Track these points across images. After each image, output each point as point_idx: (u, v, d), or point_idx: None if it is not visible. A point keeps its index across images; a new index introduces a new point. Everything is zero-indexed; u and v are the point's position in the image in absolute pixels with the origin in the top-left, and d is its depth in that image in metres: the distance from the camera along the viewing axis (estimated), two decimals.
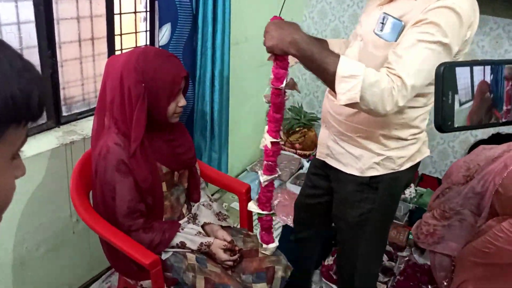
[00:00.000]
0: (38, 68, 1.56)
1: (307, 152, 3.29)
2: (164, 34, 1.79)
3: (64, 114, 1.75)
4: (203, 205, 1.54)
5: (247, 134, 2.83)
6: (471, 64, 0.56)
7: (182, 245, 1.35)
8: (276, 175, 1.32)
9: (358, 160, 1.31)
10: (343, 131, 1.32)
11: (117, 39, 1.85)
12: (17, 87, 0.44)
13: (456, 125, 0.55)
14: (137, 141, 1.29)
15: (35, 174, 1.55)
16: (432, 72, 1.01)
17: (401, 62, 1.03)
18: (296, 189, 2.80)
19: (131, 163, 1.29)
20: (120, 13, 1.84)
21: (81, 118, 1.81)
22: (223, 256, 1.38)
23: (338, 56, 1.05)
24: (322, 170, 1.51)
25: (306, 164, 3.14)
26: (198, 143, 2.10)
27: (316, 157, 1.49)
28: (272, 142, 1.24)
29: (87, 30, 1.75)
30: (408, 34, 1.06)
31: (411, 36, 1.05)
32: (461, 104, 0.55)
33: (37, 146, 1.56)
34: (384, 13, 1.15)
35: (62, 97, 1.72)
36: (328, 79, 1.06)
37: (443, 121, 0.54)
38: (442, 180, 1.95)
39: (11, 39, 1.46)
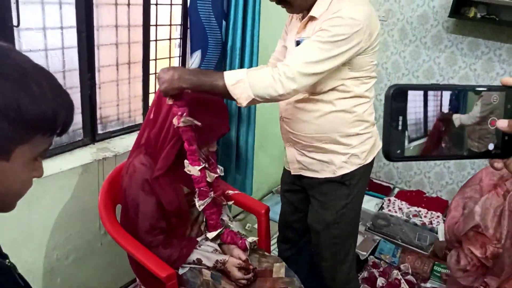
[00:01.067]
0: (78, 89, 1.70)
1: None
2: (194, 60, 1.90)
3: (99, 132, 1.88)
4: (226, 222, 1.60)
5: (274, 155, 2.88)
6: (428, 88, 0.50)
7: (199, 261, 1.41)
8: (210, 198, 1.43)
9: (329, 164, 1.46)
10: (308, 143, 1.46)
11: (151, 63, 1.97)
12: (51, 107, 0.57)
13: (406, 154, 0.49)
14: (161, 171, 1.38)
15: (69, 187, 1.66)
16: (324, 64, 1.21)
17: (291, 56, 1.24)
18: None
19: (155, 185, 1.38)
20: (156, 40, 1.97)
21: (115, 136, 1.93)
22: (237, 274, 1.42)
23: (222, 72, 1.23)
24: (295, 184, 1.64)
25: None
26: (222, 164, 2.17)
27: (292, 173, 1.60)
28: (199, 170, 1.37)
29: (125, 55, 1.89)
30: (304, 42, 1.26)
31: (304, 42, 1.25)
32: (413, 133, 0.49)
33: (73, 161, 1.68)
34: (299, 37, 1.35)
35: (98, 116, 1.85)
36: (223, 92, 1.23)
37: (391, 148, 0.48)
38: (464, 189, 1.90)
39: (55, 63, 1.61)
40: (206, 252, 1.43)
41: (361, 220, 2.75)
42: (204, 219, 1.58)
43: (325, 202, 1.52)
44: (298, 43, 1.34)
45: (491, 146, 0.52)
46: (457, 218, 1.92)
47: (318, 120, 1.40)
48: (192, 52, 1.90)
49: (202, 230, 1.56)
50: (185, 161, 1.37)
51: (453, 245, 1.91)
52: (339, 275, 1.61)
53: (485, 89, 0.51)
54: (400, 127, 0.48)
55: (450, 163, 3.07)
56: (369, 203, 2.99)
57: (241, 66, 2.05)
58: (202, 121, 1.32)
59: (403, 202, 3.02)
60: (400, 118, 0.48)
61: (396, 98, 0.48)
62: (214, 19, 1.89)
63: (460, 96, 0.51)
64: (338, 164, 1.45)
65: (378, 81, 3.17)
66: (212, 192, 1.46)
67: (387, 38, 3.08)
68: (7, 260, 0.66)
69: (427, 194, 3.17)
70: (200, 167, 1.37)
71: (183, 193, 1.46)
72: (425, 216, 2.85)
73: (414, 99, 0.49)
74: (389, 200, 3.04)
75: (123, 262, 1.63)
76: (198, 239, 1.51)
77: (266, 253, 1.60)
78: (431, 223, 2.77)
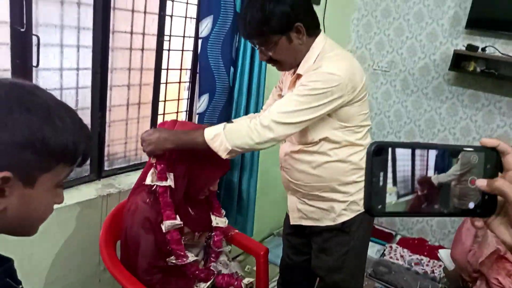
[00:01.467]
0: (88, 127, 1.78)
1: None
2: (202, 103, 1.98)
3: (106, 168, 1.93)
4: (221, 263, 1.61)
5: (276, 199, 2.90)
6: (409, 146, 0.51)
7: None
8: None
9: (329, 212, 1.50)
10: (308, 192, 1.51)
11: (160, 104, 2.06)
12: (72, 139, 0.64)
13: (387, 210, 0.50)
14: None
15: (72, 221, 1.69)
16: (301, 115, 1.28)
17: (271, 107, 1.32)
18: None
19: (156, 224, 1.42)
20: (166, 82, 2.06)
21: (120, 173, 1.99)
22: None
23: (202, 129, 1.34)
24: (296, 228, 1.65)
25: None
26: (224, 205, 2.20)
27: (291, 223, 1.63)
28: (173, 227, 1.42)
29: (136, 95, 1.98)
30: (285, 95, 1.35)
31: (284, 96, 1.34)
32: (394, 189, 0.50)
33: (78, 196, 1.72)
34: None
35: (106, 153, 1.91)
36: (204, 147, 1.33)
37: (372, 204, 0.49)
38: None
39: (69, 101, 1.69)
40: None
41: None
42: (203, 258, 1.60)
43: (327, 248, 1.54)
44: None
45: (471, 205, 0.53)
46: (470, 246, 1.88)
47: (315, 170, 1.46)
48: (200, 95, 1.98)
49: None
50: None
51: (471, 276, 1.86)
52: None
53: (464, 149, 0.53)
54: (381, 183, 0.49)
55: None
56: (371, 249, 2.95)
57: (247, 109, 2.12)
58: (197, 167, 1.39)
59: (405, 250, 2.99)
60: (381, 174, 0.49)
61: (377, 155, 0.49)
62: (222, 65, 1.99)
63: (440, 155, 0.52)
64: (338, 211, 1.48)
65: (380, 128, 3.24)
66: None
67: (389, 88, 3.17)
68: (21, 286, 0.70)
69: (429, 242, 3.15)
70: (175, 222, 1.42)
71: (182, 231, 1.48)
72: (427, 265, 2.82)
73: (395, 156, 0.50)
74: (390, 247, 3.02)
75: None
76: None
77: None
78: (433, 272, 2.74)
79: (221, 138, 1.29)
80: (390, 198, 0.50)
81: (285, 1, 1.30)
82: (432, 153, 0.52)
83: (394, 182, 0.50)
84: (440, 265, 2.81)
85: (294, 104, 1.28)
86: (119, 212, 1.64)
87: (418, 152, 0.51)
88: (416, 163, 0.51)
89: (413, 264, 2.81)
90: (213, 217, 1.61)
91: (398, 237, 3.22)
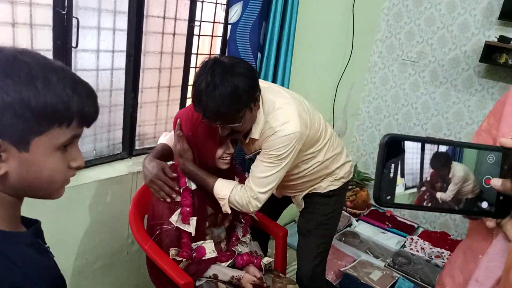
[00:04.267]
0: (121, 107, 1.87)
1: (358, 211, 3.31)
2: None
3: (137, 147, 2.03)
4: (241, 243, 1.67)
5: None
6: (423, 140, 0.51)
7: (215, 277, 1.49)
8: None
9: (317, 188, 1.74)
10: (300, 189, 1.75)
11: (189, 88, 2.13)
12: (60, 99, 0.62)
13: (396, 201, 0.51)
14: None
15: (104, 195, 1.80)
16: (276, 177, 1.47)
17: (251, 178, 1.49)
18: (342, 247, 2.82)
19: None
20: (196, 67, 2.13)
21: (150, 153, 2.07)
22: None
23: (213, 180, 1.49)
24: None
25: (355, 223, 3.17)
26: None
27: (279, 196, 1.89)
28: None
29: (166, 79, 2.06)
30: (258, 156, 1.50)
31: (259, 157, 1.49)
32: (405, 181, 0.51)
33: (110, 172, 1.82)
34: (248, 156, 1.61)
35: (137, 133, 2.00)
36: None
37: (381, 194, 0.50)
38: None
39: (105, 82, 1.78)
40: (223, 267, 1.51)
41: (381, 256, 2.76)
42: (225, 238, 1.67)
43: (316, 209, 1.76)
44: (251, 159, 1.60)
45: (484, 205, 0.52)
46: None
47: (302, 179, 1.70)
48: None
49: (223, 248, 1.64)
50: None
51: None
52: (309, 266, 1.76)
53: (482, 148, 0.52)
54: (391, 175, 0.50)
55: None
56: (390, 240, 2.98)
57: None
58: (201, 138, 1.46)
59: (426, 242, 2.99)
60: (392, 166, 0.50)
61: (389, 147, 0.50)
62: (250, 50, 2.04)
63: (456, 152, 0.52)
64: (326, 186, 1.73)
65: (407, 119, 3.23)
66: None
67: (418, 78, 3.15)
68: (47, 246, 0.76)
69: (451, 237, 3.13)
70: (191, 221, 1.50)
71: (206, 213, 1.55)
72: (447, 258, 2.81)
73: (408, 150, 0.50)
74: (411, 239, 3.02)
75: (145, 273, 1.72)
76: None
77: (281, 274, 1.66)
78: None
79: (224, 202, 1.49)
80: (399, 189, 0.51)
81: (246, 74, 1.31)
82: (447, 150, 0.52)
83: (405, 175, 0.51)
84: None
85: (267, 170, 1.47)
86: (148, 188, 1.73)
87: (432, 147, 0.51)
88: (429, 158, 0.51)
89: (433, 256, 2.81)
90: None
91: (420, 230, 3.22)
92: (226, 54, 2.11)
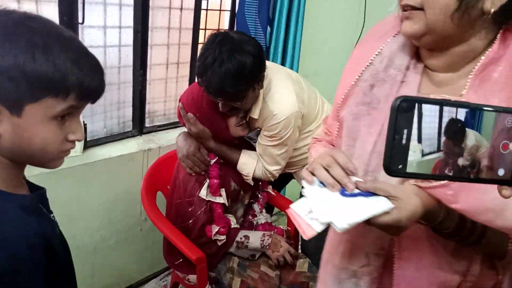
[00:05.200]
0: (130, 84, 1.86)
1: None
2: None
3: (147, 125, 2.02)
4: (259, 218, 1.69)
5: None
6: (438, 103, 0.47)
7: (246, 238, 1.52)
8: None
9: None
10: (305, 162, 1.66)
11: None
12: (57, 69, 0.61)
13: (408, 170, 0.47)
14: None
15: (116, 172, 1.81)
16: (285, 154, 1.50)
17: (262, 159, 1.53)
18: None
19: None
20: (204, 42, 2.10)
21: (160, 130, 2.08)
22: (285, 244, 1.54)
23: (239, 154, 1.53)
24: None
25: None
26: None
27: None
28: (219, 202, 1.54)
29: (175, 55, 2.03)
30: (260, 139, 1.51)
31: (262, 142, 1.50)
32: (418, 148, 0.47)
33: (121, 149, 1.82)
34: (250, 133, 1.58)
35: (147, 110, 1.99)
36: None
37: (392, 162, 0.47)
38: None
39: (113, 58, 1.77)
40: (250, 231, 1.56)
41: None
42: (242, 215, 1.68)
43: None
44: (249, 137, 1.60)
45: (501, 172, 0.49)
46: None
47: (301, 156, 1.67)
48: None
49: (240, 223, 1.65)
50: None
51: None
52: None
53: (500, 110, 0.48)
54: (404, 141, 0.47)
55: None
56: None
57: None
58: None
59: None
60: (405, 131, 0.47)
61: (402, 111, 0.46)
62: (259, 24, 1.99)
63: (472, 116, 0.48)
64: None
65: None
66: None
67: None
68: (52, 215, 0.76)
69: None
70: (220, 199, 1.52)
71: (230, 188, 1.55)
72: None
73: (422, 112, 0.47)
74: None
75: (158, 250, 1.75)
76: None
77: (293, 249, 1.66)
78: None
79: (249, 178, 1.56)
80: (414, 156, 0.47)
81: (254, 53, 1.27)
82: (463, 113, 0.48)
83: (419, 139, 0.47)
84: None
85: (275, 152, 1.50)
86: (159, 166, 1.74)
87: (448, 110, 0.47)
88: (444, 123, 0.48)
89: None
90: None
91: None
92: (235, 29, 2.07)
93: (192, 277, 1.51)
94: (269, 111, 1.42)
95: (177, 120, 2.14)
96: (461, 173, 0.48)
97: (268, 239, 1.53)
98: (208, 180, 1.49)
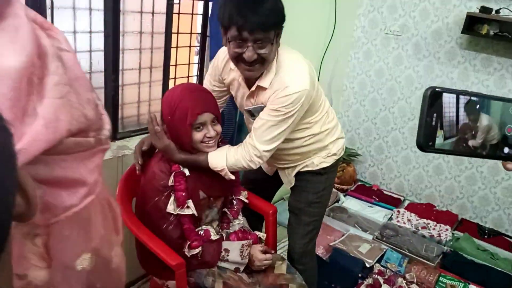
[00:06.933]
0: (103, 89, 1.82)
1: (345, 187, 3.35)
2: None
3: (120, 131, 1.99)
4: (234, 224, 1.67)
5: None
6: (460, 93, 0.60)
7: (226, 251, 1.50)
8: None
9: (308, 165, 1.70)
10: (291, 163, 1.72)
11: (171, 68, 2.09)
12: None
13: (436, 147, 0.59)
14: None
15: None
16: (283, 134, 1.45)
17: (255, 137, 1.45)
18: (331, 222, 2.86)
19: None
20: (177, 47, 2.09)
21: (134, 135, 2.05)
22: (261, 256, 1.53)
23: (205, 156, 1.47)
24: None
25: (343, 198, 3.20)
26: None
27: (271, 174, 1.88)
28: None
29: (147, 59, 2.01)
30: (262, 114, 1.45)
31: (263, 116, 1.44)
32: (444, 129, 0.59)
33: None
34: (251, 107, 1.54)
35: (119, 116, 1.96)
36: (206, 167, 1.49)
37: (423, 140, 0.58)
38: None
39: (83, 64, 1.73)
40: (228, 242, 1.53)
41: (369, 230, 2.81)
42: (217, 219, 1.66)
43: (307, 186, 1.74)
44: (250, 112, 1.55)
45: (506, 150, 0.63)
46: None
47: (296, 150, 1.66)
48: (211, 59, 2.00)
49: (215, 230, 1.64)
50: None
51: None
52: (300, 243, 1.76)
53: (506, 100, 0.63)
54: (433, 123, 0.58)
55: (461, 177, 3.09)
56: (378, 214, 3.03)
57: None
58: (179, 106, 1.41)
59: (413, 214, 3.04)
60: (435, 115, 0.58)
61: (432, 98, 0.58)
62: None
63: (484, 104, 0.61)
64: (318, 162, 1.70)
65: (391, 93, 3.24)
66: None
67: (401, 52, 3.14)
68: None
69: (437, 208, 3.19)
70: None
71: (198, 198, 1.52)
72: (433, 229, 2.87)
73: (448, 100, 0.59)
74: (398, 211, 3.07)
75: (135, 258, 1.71)
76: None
77: (272, 251, 1.67)
78: (439, 235, 2.79)
79: (225, 172, 1.48)
80: (440, 137, 0.59)
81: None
82: (479, 101, 0.61)
83: (445, 123, 0.59)
84: (447, 229, 2.87)
85: (273, 131, 1.43)
86: (134, 171, 1.70)
87: (464, 98, 0.60)
88: (460, 109, 0.60)
89: (419, 228, 2.87)
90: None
91: (406, 202, 3.27)
92: (208, 33, 2.06)
93: (172, 283, 1.50)
94: (282, 82, 1.40)
95: None
96: (476, 150, 0.62)
97: (247, 249, 1.52)
98: (173, 195, 1.45)
